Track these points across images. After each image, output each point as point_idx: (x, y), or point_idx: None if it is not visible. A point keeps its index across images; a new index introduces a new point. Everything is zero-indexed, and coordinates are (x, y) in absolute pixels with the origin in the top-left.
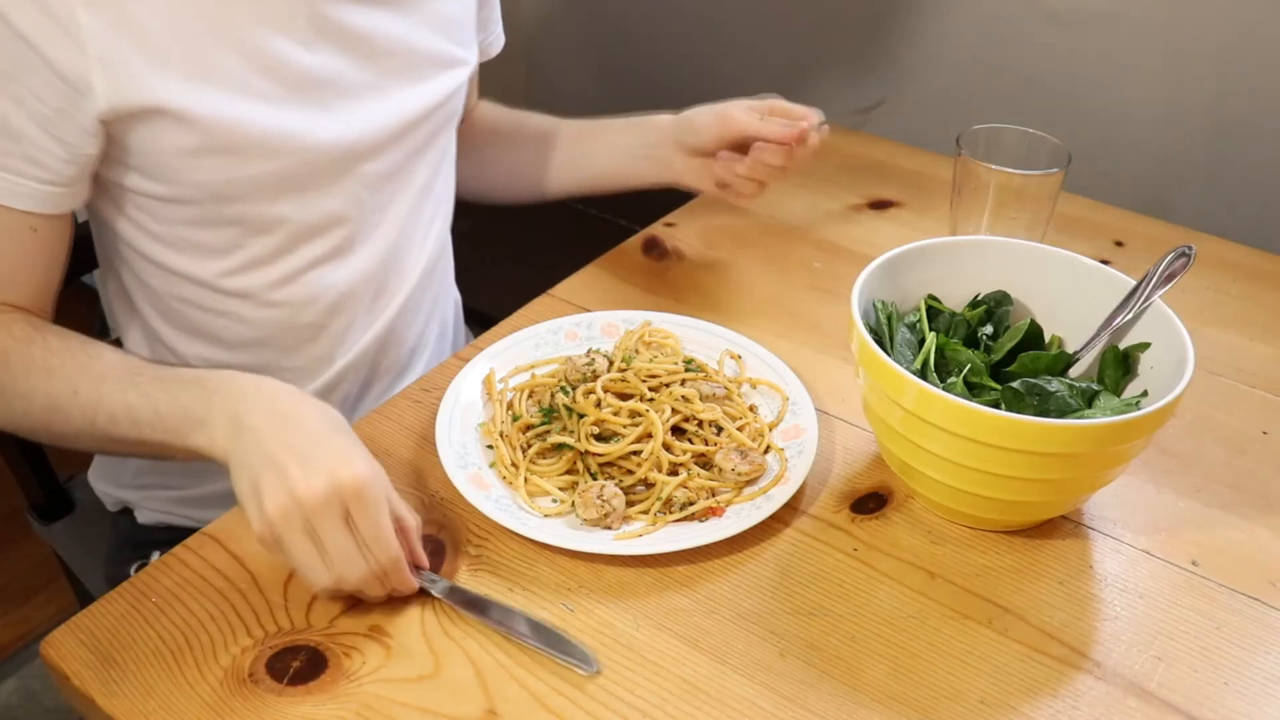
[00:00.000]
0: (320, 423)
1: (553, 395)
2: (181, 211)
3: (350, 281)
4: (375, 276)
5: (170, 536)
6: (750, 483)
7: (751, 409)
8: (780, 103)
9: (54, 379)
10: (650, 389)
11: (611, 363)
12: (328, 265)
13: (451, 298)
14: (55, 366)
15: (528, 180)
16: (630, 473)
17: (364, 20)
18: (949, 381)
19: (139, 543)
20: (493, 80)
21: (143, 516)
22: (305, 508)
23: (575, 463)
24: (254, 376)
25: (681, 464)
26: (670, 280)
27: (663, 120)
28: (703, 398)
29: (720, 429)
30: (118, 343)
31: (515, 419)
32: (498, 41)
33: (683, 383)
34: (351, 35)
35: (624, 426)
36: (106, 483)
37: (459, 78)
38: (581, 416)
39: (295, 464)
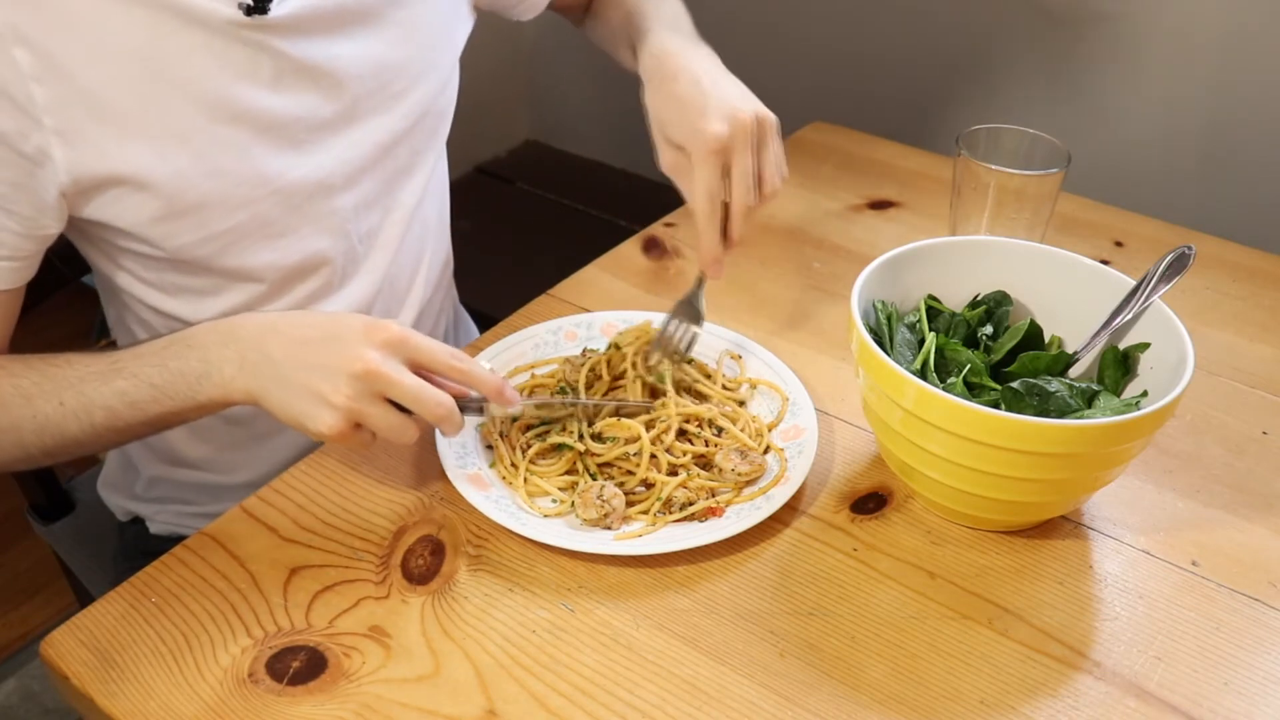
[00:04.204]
0: (316, 314)
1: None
2: (168, 264)
3: (347, 312)
4: (373, 303)
5: None
6: (750, 483)
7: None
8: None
9: (33, 402)
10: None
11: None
12: (323, 301)
13: (453, 305)
14: (29, 389)
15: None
16: (630, 473)
17: (327, 51)
18: (949, 381)
19: (149, 551)
20: (494, 83)
21: (155, 527)
22: (373, 375)
23: (575, 463)
24: (225, 319)
25: (681, 464)
26: (670, 280)
27: (650, 100)
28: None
29: (720, 429)
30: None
31: (515, 419)
32: None
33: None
34: (318, 69)
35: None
36: (117, 494)
37: (433, 85)
38: (592, 420)
39: (336, 348)
